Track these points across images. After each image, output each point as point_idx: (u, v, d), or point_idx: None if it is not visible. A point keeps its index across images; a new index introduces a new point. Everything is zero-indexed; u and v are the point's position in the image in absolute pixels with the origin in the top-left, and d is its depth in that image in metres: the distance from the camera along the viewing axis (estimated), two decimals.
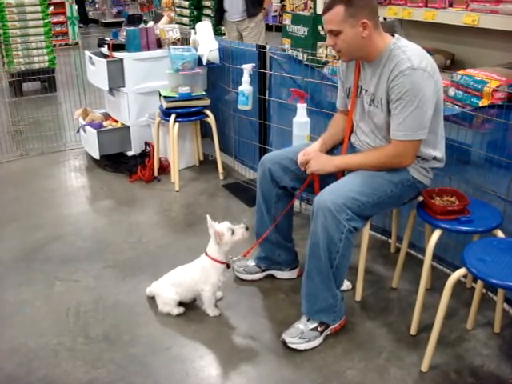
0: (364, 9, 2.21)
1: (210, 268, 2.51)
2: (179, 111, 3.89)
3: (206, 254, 2.53)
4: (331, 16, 2.23)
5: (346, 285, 2.69)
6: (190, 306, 2.63)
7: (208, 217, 2.49)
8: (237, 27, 5.96)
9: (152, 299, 2.66)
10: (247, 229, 2.50)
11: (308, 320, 2.37)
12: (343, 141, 2.57)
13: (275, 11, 11.22)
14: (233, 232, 2.47)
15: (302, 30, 3.72)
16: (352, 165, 2.37)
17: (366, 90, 2.36)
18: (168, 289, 2.57)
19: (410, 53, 2.19)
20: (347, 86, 2.50)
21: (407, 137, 2.21)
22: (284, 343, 2.34)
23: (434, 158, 2.36)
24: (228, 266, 2.56)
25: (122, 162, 4.35)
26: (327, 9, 2.25)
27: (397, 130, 2.23)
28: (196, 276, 2.53)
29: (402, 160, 2.28)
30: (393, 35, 2.31)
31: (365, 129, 2.43)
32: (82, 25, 11.83)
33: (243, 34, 5.94)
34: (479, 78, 2.66)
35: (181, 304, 2.60)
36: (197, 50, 4.02)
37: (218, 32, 6.77)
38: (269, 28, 11.21)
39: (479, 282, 2.36)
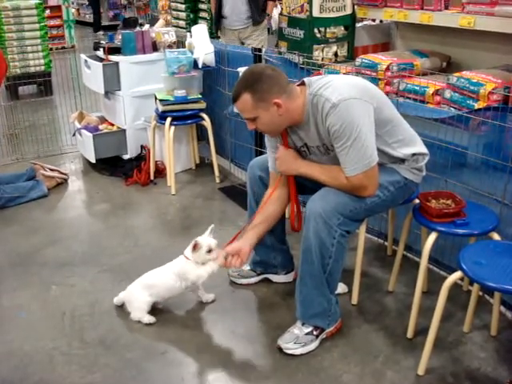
0: (271, 89, 2.15)
1: (186, 266, 2.47)
2: (175, 114, 3.88)
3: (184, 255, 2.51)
4: (241, 105, 2.20)
5: (342, 288, 2.68)
6: (185, 311, 2.63)
7: (212, 226, 2.50)
8: (238, 35, 5.77)
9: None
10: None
11: (303, 324, 2.36)
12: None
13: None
14: (210, 251, 2.43)
15: (298, 33, 3.70)
16: (316, 179, 2.29)
17: (313, 146, 2.30)
18: (140, 292, 2.54)
19: (326, 92, 2.14)
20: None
21: (357, 170, 2.15)
22: (280, 349, 2.33)
23: (414, 155, 2.30)
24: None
25: (118, 166, 4.34)
26: (235, 99, 2.21)
27: (345, 167, 2.17)
28: (171, 280, 2.50)
29: (362, 191, 2.20)
30: (303, 82, 2.25)
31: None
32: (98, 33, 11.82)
33: (246, 42, 5.66)
34: (475, 80, 2.65)
35: (162, 311, 2.60)
36: (192, 53, 4.02)
37: (214, 35, 6.73)
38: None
39: (475, 285, 2.35)
